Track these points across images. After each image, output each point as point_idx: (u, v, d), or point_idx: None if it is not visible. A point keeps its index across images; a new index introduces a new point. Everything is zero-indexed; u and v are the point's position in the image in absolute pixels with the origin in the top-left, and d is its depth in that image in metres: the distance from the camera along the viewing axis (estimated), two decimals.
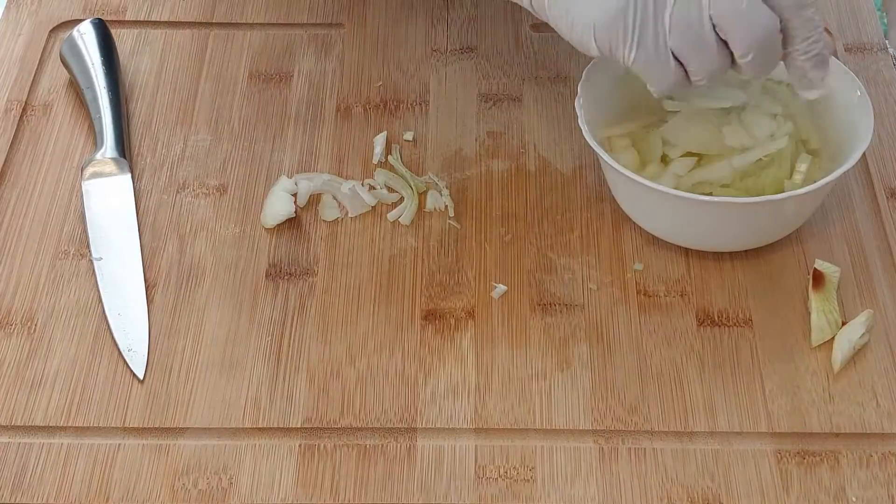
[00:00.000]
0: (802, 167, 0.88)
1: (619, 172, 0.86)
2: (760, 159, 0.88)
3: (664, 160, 0.90)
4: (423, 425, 0.81)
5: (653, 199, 0.87)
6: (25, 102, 1.01)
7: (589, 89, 0.90)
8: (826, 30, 0.88)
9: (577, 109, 0.89)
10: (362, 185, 0.93)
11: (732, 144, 0.88)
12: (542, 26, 1.05)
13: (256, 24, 1.07)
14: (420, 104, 1.01)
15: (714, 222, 0.88)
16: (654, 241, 0.91)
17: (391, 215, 0.92)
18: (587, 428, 0.81)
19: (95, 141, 0.97)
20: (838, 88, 0.91)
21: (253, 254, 0.91)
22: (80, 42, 1.01)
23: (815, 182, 0.85)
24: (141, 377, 0.84)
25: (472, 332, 0.86)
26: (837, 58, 0.90)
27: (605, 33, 0.81)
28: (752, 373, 0.83)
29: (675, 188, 0.87)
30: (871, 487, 0.78)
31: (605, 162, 0.87)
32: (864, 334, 0.84)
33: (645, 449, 0.80)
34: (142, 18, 1.08)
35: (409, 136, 0.97)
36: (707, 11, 0.79)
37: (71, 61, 1.01)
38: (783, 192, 0.86)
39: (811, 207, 0.89)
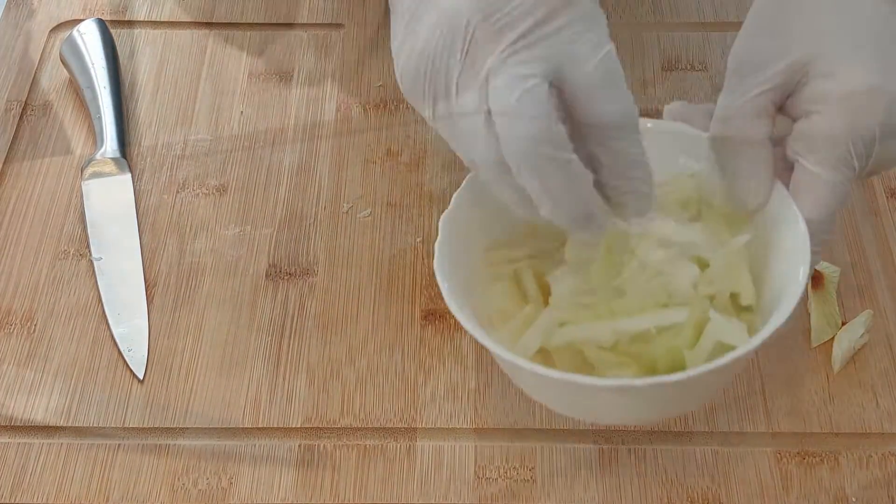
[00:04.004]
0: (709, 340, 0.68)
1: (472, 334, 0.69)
2: None
3: (547, 300, 0.73)
4: (423, 425, 0.81)
5: (515, 370, 0.70)
6: (25, 102, 1.01)
7: (463, 203, 0.74)
8: None
9: (440, 227, 0.72)
10: None
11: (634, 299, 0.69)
12: None
13: (256, 24, 1.07)
14: None
15: (591, 401, 0.70)
16: None
17: None
18: (587, 428, 0.81)
19: (95, 141, 0.97)
20: (780, 221, 0.72)
21: (253, 254, 0.91)
22: (80, 42, 1.01)
23: (731, 351, 0.67)
24: (141, 377, 0.84)
25: None
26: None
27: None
28: (752, 373, 0.83)
29: (545, 345, 0.70)
30: (871, 488, 0.78)
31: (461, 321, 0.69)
32: (863, 334, 0.84)
33: (645, 449, 0.80)
34: (142, 18, 1.08)
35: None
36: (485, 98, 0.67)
37: (71, 61, 1.01)
38: (683, 362, 0.69)
39: (724, 380, 0.72)
